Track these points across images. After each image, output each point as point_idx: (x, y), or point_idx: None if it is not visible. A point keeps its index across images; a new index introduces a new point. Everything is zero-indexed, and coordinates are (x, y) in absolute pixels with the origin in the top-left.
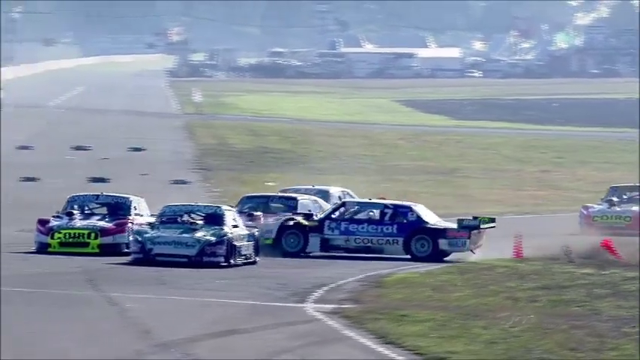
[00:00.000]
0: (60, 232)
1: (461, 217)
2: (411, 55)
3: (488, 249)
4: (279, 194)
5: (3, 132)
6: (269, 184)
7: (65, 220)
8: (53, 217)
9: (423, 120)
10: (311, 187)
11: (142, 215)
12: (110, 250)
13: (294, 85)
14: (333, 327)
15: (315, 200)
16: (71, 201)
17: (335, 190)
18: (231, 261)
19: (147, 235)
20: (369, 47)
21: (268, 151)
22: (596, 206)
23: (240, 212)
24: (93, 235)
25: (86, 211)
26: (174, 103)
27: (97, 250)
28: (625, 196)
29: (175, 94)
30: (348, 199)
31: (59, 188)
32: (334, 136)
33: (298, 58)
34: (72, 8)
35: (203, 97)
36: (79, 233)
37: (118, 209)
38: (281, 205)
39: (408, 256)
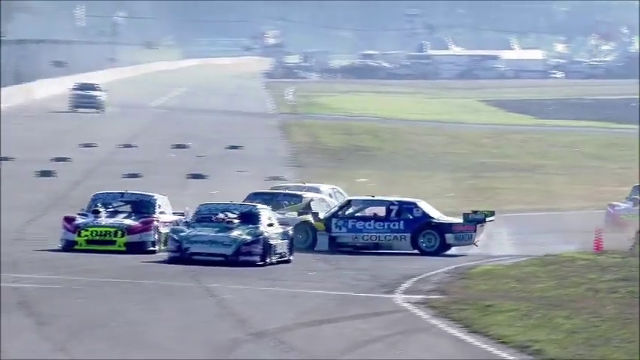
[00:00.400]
0: (87, 230)
1: (466, 212)
2: (495, 57)
3: (568, 242)
4: (285, 191)
5: (107, 131)
6: (360, 180)
7: (91, 218)
8: (79, 214)
9: (507, 119)
10: (302, 184)
11: (165, 213)
12: (136, 248)
13: (384, 86)
14: (421, 317)
15: (322, 198)
16: (96, 199)
17: (325, 188)
18: (267, 260)
19: (183, 234)
20: (455, 49)
21: (359, 149)
22: (622, 204)
23: None
24: (120, 233)
25: (110, 209)
26: (269, 104)
27: (123, 248)
28: None
29: (271, 95)
30: (337, 196)
31: (160, 185)
32: (422, 135)
33: (388, 60)
34: (173, 12)
35: (297, 98)
36: (105, 231)
37: (143, 207)
38: (287, 202)
39: (416, 251)
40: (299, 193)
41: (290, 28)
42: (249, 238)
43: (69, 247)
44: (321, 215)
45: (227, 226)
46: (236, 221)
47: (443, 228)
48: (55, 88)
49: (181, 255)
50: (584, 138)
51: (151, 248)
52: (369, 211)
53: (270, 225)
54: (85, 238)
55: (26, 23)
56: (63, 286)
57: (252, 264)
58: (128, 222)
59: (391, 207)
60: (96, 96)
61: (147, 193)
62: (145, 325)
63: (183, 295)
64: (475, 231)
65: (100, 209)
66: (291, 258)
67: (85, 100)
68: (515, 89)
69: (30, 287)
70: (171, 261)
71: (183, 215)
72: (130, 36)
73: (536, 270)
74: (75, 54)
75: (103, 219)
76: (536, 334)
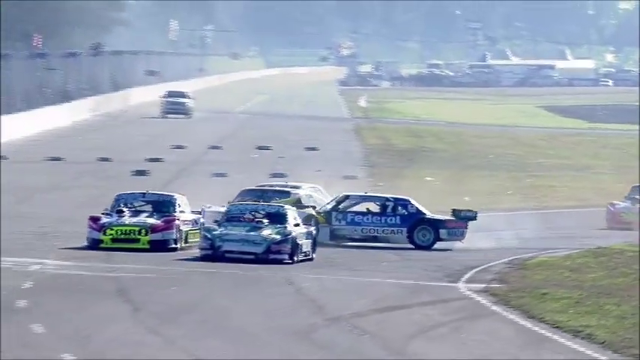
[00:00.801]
0: (112, 229)
1: (457, 209)
2: (551, 67)
3: (617, 236)
4: (274, 188)
5: (196, 134)
6: (427, 179)
7: (115, 217)
8: (103, 214)
9: (561, 123)
10: (284, 183)
11: (184, 212)
12: (159, 246)
13: (449, 93)
14: (483, 304)
15: (309, 195)
16: (118, 199)
17: (307, 187)
18: (295, 258)
19: (215, 233)
20: (514, 59)
21: (426, 150)
22: (621, 203)
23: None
24: (143, 231)
25: (132, 209)
26: (344, 109)
27: (147, 246)
28: None
29: (345, 101)
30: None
31: (244, 183)
32: (483, 138)
33: (452, 70)
34: (256, 26)
35: (369, 104)
36: (130, 230)
37: (163, 207)
38: (277, 198)
39: (411, 246)
40: (287, 189)
41: (363, 40)
42: (278, 237)
43: (94, 245)
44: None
45: (256, 226)
46: (265, 221)
47: (437, 224)
48: (148, 96)
49: (214, 253)
50: (632, 140)
51: (173, 246)
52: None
53: (296, 225)
54: (110, 236)
55: (123, 36)
56: (156, 275)
57: (281, 262)
58: (151, 221)
59: (387, 203)
60: (185, 103)
61: (167, 193)
62: (230, 310)
63: (265, 283)
64: (466, 227)
65: (124, 209)
66: (314, 256)
67: (174, 106)
68: (569, 96)
69: (126, 276)
70: (203, 258)
71: (200, 214)
72: (217, 48)
73: (588, 261)
74: (167, 64)
75: (127, 218)
76: (588, 320)
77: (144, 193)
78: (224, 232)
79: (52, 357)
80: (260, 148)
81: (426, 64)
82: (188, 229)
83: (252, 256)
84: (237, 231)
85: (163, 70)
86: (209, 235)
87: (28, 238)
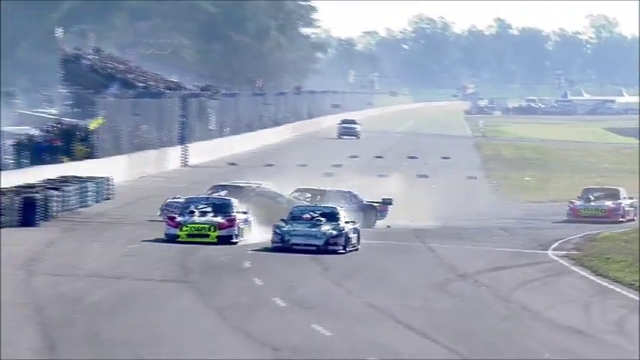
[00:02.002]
0: (187, 226)
1: (385, 198)
2: (612, 101)
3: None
4: (245, 184)
5: (365, 148)
6: (526, 179)
7: (187, 216)
8: (176, 213)
9: (620, 140)
10: (246, 181)
11: (239, 212)
12: (224, 241)
13: (541, 120)
14: (565, 265)
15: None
16: (188, 201)
17: (267, 184)
18: (347, 249)
19: (284, 229)
20: (586, 96)
21: (525, 159)
22: (577, 202)
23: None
24: (212, 228)
25: (199, 209)
26: (468, 130)
27: (215, 240)
28: (594, 195)
29: (468, 125)
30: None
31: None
32: (564, 150)
33: (544, 103)
34: (408, 73)
35: (485, 127)
36: (202, 227)
37: (223, 208)
38: (229, 190)
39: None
40: (256, 185)
41: (481, 82)
42: (334, 232)
43: (172, 239)
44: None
45: (316, 223)
46: (322, 219)
47: (376, 208)
48: (333, 122)
49: (283, 245)
50: None
51: (234, 240)
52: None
53: (347, 222)
54: (186, 232)
55: (316, 80)
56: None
57: (336, 252)
58: (217, 220)
59: (345, 193)
60: (355, 127)
61: (226, 198)
62: (388, 270)
63: (412, 251)
64: (387, 211)
65: (194, 209)
66: (359, 247)
67: (347, 130)
68: (625, 121)
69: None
70: (274, 250)
71: (246, 213)
72: (381, 88)
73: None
74: (346, 100)
75: (197, 217)
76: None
77: (207, 197)
78: (291, 228)
79: (267, 301)
80: (410, 157)
81: (525, 99)
82: (243, 226)
83: (314, 248)
84: (301, 227)
85: (343, 104)
86: (279, 231)
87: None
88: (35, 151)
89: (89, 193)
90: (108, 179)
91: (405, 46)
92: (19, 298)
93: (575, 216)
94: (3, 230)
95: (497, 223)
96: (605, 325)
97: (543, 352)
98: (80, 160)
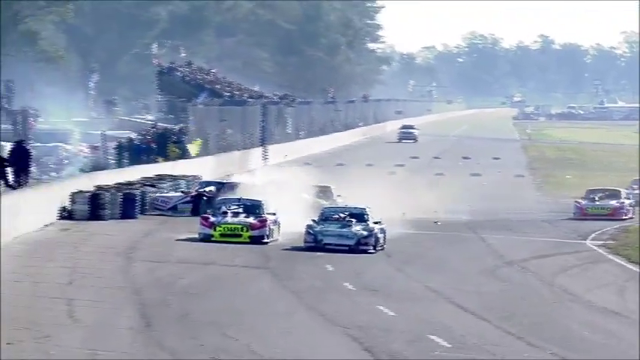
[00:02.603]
0: (220, 226)
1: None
2: None
3: None
4: (227, 181)
5: (425, 150)
6: (567, 177)
7: (220, 217)
8: (209, 214)
9: None
10: (222, 180)
11: (268, 213)
12: (256, 241)
13: (581, 124)
14: (602, 254)
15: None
16: (220, 202)
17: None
18: (377, 249)
19: (317, 229)
20: (620, 103)
21: (566, 159)
22: (583, 201)
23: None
24: (245, 228)
25: (231, 210)
26: (515, 134)
27: (247, 240)
28: (598, 195)
29: (516, 129)
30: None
31: (453, 180)
32: (601, 151)
33: (583, 110)
34: (462, 83)
35: (531, 131)
36: (235, 227)
37: (254, 209)
38: (214, 186)
39: None
40: (224, 182)
41: (527, 91)
42: (365, 233)
43: (206, 239)
44: None
45: (346, 223)
46: (352, 219)
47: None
48: (395, 127)
49: (316, 245)
50: None
51: (265, 240)
52: None
53: (376, 222)
54: (219, 232)
55: (381, 89)
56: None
57: (366, 252)
58: (249, 220)
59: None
60: (413, 132)
61: (256, 199)
62: (444, 257)
63: (465, 241)
64: None
65: (227, 210)
66: (385, 246)
67: (406, 135)
68: None
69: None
70: (307, 249)
71: (275, 214)
72: (438, 96)
73: None
74: (407, 107)
75: (229, 218)
76: None
77: (239, 199)
78: (324, 228)
79: (338, 285)
80: (464, 158)
81: (566, 106)
82: (273, 227)
83: (346, 248)
84: (333, 228)
85: (405, 111)
86: (312, 231)
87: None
88: (134, 153)
89: (181, 189)
90: (196, 177)
91: (460, 60)
92: (120, 283)
93: (582, 214)
94: (106, 222)
95: (541, 216)
96: (637, 306)
97: (583, 331)
98: (173, 160)
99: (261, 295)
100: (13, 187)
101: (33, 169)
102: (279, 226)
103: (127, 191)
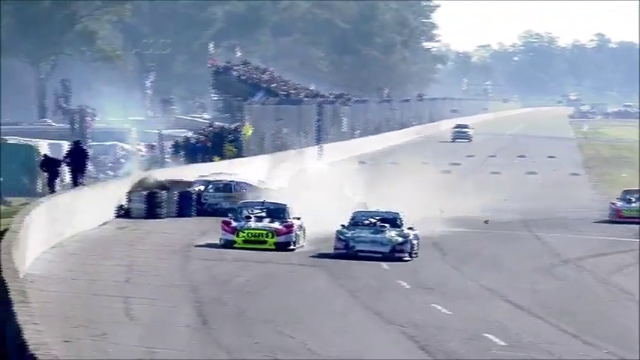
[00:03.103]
0: (244, 232)
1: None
2: None
3: None
4: (237, 180)
5: (481, 148)
6: (623, 175)
7: (243, 222)
8: (232, 219)
9: None
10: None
11: (294, 218)
12: (282, 247)
13: (637, 123)
14: None
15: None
16: (242, 206)
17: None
18: (412, 256)
19: (348, 235)
20: None
21: (622, 158)
22: (618, 202)
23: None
24: (270, 234)
25: (254, 214)
26: (571, 133)
27: (272, 247)
28: (634, 196)
29: (572, 128)
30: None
31: (508, 178)
32: None
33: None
34: (518, 82)
35: (587, 129)
36: (259, 233)
37: (278, 213)
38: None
39: None
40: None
41: (584, 90)
42: (400, 239)
43: (228, 245)
44: None
45: (379, 229)
46: (386, 225)
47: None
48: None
49: (347, 252)
50: None
51: (292, 247)
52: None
53: (410, 228)
54: (243, 238)
55: (435, 88)
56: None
57: (401, 259)
58: (275, 226)
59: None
60: (467, 132)
61: (280, 202)
62: (499, 255)
63: (520, 239)
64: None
65: (250, 215)
66: (418, 253)
67: (460, 134)
68: None
69: (441, 235)
70: (336, 256)
71: (299, 219)
72: (494, 95)
73: None
74: (462, 106)
75: (253, 223)
76: None
77: (262, 202)
78: (356, 234)
79: (393, 283)
80: (519, 156)
81: (622, 104)
82: (299, 232)
83: (380, 255)
84: (366, 234)
85: (460, 110)
86: (343, 237)
87: None
88: (190, 151)
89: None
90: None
91: (516, 58)
92: (176, 281)
93: (618, 216)
94: (162, 220)
95: (596, 214)
96: None
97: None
98: (229, 159)
99: (316, 293)
100: (53, 191)
101: (90, 167)
102: (305, 232)
103: (183, 190)
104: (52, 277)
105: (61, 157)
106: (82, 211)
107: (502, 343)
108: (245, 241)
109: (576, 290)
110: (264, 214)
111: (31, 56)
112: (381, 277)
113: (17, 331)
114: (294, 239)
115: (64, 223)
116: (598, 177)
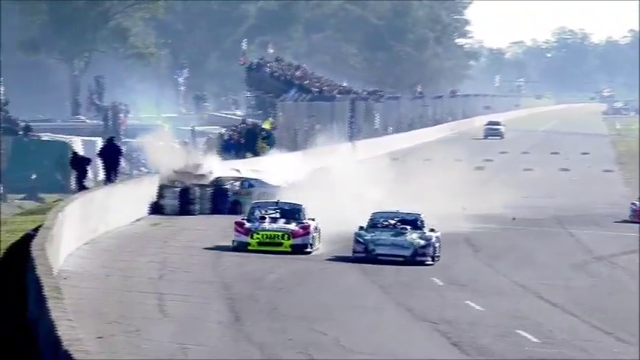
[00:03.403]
0: (258, 233)
1: None
2: None
3: None
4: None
5: (514, 145)
6: None
7: (257, 223)
8: (244, 219)
9: None
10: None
11: (310, 219)
12: (299, 250)
13: None
14: None
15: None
16: (254, 207)
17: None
18: (435, 260)
19: (367, 238)
20: None
21: None
22: (638, 203)
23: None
24: (286, 236)
25: (268, 215)
26: (604, 129)
27: (289, 249)
28: None
29: (605, 125)
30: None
31: (540, 175)
32: None
33: None
34: (551, 78)
35: (620, 126)
36: (275, 234)
37: (293, 214)
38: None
39: None
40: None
41: (617, 86)
42: (422, 242)
43: (242, 247)
44: None
45: (400, 231)
46: (407, 227)
47: None
48: (483, 122)
49: (366, 255)
50: None
51: (308, 250)
52: None
53: (432, 230)
54: (257, 240)
55: (468, 85)
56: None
57: (424, 263)
58: (290, 227)
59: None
60: (499, 129)
61: (296, 202)
62: (532, 252)
63: (553, 236)
64: None
65: (265, 215)
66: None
67: (492, 131)
68: None
69: (471, 231)
70: (356, 260)
71: (314, 220)
72: (527, 91)
73: None
74: (495, 102)
75: (268, 224)
76: None
77: (276, 202)
78: (376, 237)
79: (426, 280)
80: (552, 153)
81: None
82: (315, 234)
83: (401, 259)
84: (386, 236)
85: (493, 106)
86: (362, 240)
87: None
88: (223, 148)
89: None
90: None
91: (549, 55)
92: (209, 277)
93: (638, 216)
94: (195, 217)
95: (629, 211)
96: None
97: None
98: (262, 155)
99: (349, 290)
100: (81, 189)
101: (123, 164)
102: (320, 233)
103: (217, 186)
104: (85, 273)
105: (91, 155)
106: (115, 208)
107: (535, 340)
108: (260, 244)
109: (609, 287)
110: (277, 215)
111: (64, 53)
112: (413, 274)
113: (51, 327)
114: (311, 241)
115: (97, 220)
116: (631, 173)
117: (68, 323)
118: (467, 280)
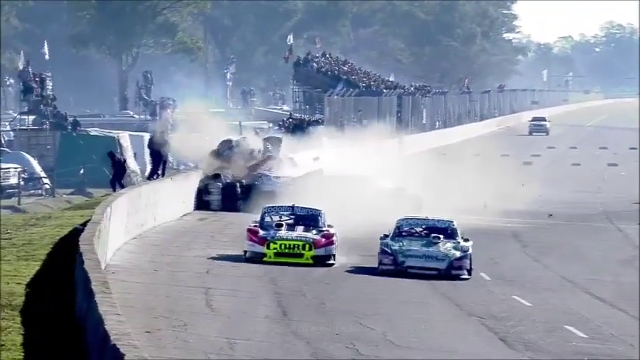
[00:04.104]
0: (275, 243)
1: None
2: None
3: None
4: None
5: (562, 140)
6: None
7: (273, 230)
8: (254, 225)
9: None
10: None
11: (331, 226)
12: (321, 261)
13: None
14: None
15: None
16: (267, 212)
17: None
18: (471, 273)
19: (396, 248)
20: None
21: None
22: None
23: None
24: (307, 246)
25: (284, 221)
26: None
27: (310, 261)
28: None
29: None
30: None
31: (587, 171)
32: None
33: None
34: (599, 74)
35: None
36: (294, 244)
37: (310, 220)
38: None
39: None
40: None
41: None
42: (458, 253)
43: (257, 258)
44: None
45: (432, 241)
46: (440, 236)
47: None
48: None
49: (396, 267)
50: None
51: (331, 261)
52: None
53: (466, 240)
54: (274, 250)
55: (516, 80)
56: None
57: (459, 277)
58: (312, 235)
59: None
60: (544, 125)
61: (314, 208)
62: (580, 248)
63: (602, 231)
64: None
65: (282, 222)
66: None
67: (537, 127)
68: None
69: (519, 227)
70: (383, 273)
71: (332, 226)
72: (575, 86)
73: None
74: (543, 97)
75: (285, 232)
76: None
77: (292, 207)
78: (404, 247)
79: (473, 275)
80: (600, 148)
81: None
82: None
83: (434, 272)
84: (417, 247)
85: (541, 101)
86: (389, 251)
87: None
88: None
89: None
90: None
91: (597, 49)
92: (256, 272)
93: None
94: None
95: None
96: None
97: None
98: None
99: (395, 284)
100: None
101: (170, 159)
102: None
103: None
104: (133, 267)
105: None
106: (162, 203)
107: (583, 335)
108: (277, 254)
109: None
110: (292, 222)
111: (112, 49)
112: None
113: (99, 321)
114: (334, 252)
115: (145, 215)
116: None
117: (116, 317)
118: (514, 275)
